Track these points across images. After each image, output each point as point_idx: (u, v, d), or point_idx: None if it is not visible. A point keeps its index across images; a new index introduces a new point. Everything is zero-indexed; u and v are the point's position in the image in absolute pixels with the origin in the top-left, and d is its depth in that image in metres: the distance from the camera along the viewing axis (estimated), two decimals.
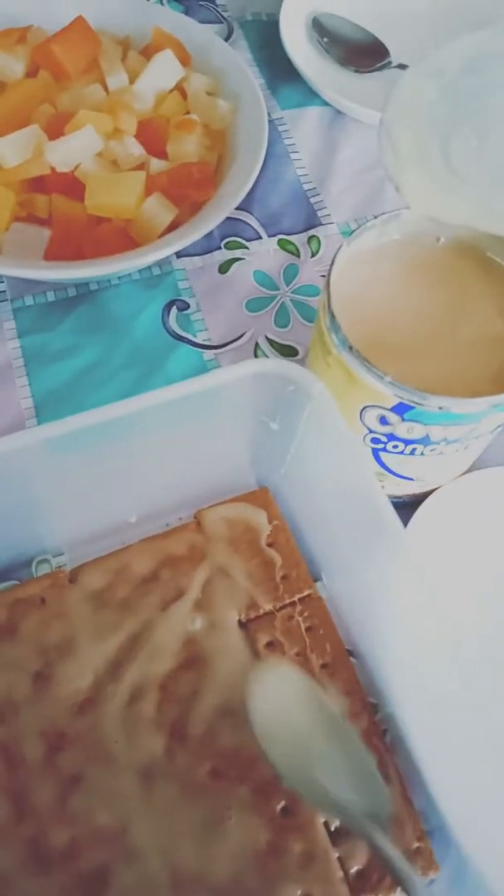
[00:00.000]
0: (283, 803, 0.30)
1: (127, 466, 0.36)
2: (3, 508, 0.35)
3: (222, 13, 0.59)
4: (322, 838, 0.30)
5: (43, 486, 0.36)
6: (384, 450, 0.33)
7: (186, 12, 0.57)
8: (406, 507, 0.36)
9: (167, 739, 0.31)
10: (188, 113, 0.44)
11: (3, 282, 0.45)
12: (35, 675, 0.32)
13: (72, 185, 0.39)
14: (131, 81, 0.43)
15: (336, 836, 0.30)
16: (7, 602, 0.34)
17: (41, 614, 0.34)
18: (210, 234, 0.47)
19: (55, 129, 0.39)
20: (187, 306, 0.45)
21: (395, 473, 0.35)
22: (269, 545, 0.36)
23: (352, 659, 0.34)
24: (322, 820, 0.30)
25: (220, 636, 0.33)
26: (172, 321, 0.44)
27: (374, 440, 0.32)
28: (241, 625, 0.34)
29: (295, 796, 0.30)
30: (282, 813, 0.30)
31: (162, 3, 0.58)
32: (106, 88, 0.42)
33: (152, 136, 0.41)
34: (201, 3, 0.59)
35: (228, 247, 0.47)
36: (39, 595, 0.34)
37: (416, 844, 0.30)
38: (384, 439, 0.32)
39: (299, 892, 0.29)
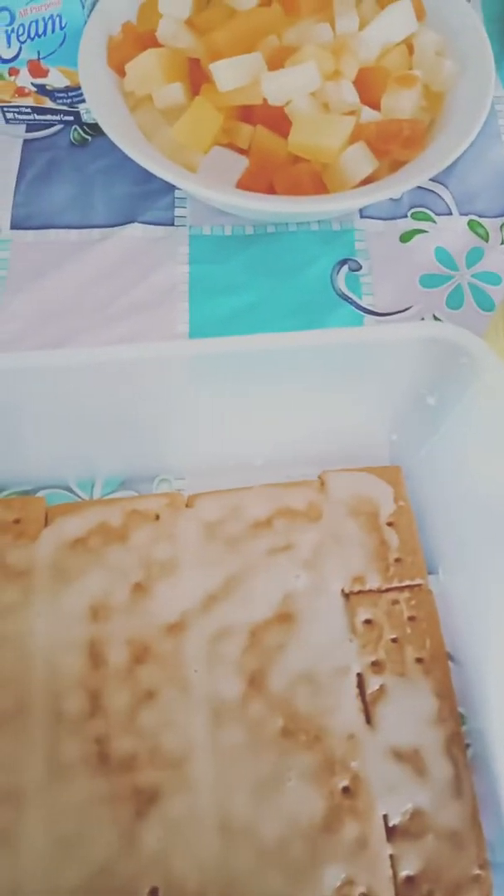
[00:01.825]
0: (345, 782, 0.29)
1: (263, 408, 0.35)
2: (139, 418, 0.35)
3: None
4: (378, 830, 0.28)
5: (179, 407, 0.36)
6: None
7: None
8: None
9: (245, 685, 0.31)
10: (411, 69, 0.42)
11: (185, 207, 0.45)
12: (134, 586, 0.33)
13: (278, 120, 0.38)
14: (360, 28, 0.41)
15: (392, 833, 0.28)
16: (124, 510, 0.34)
17: (153, 529, 0.34)
18: (399, 200, 0.45)
19: (276, 62, 0.38)
20: (359, 268, 0.43)
21: None
22: (389, 524, 0.35)
23: (450, 662, 0.32)
24: (382, 812, 0.29)
25: (320, 600, 0.32)
26: (341, 279, 0.43)
27: None
28: (343, 595, 0.33)
29: (359, 777, 0.29)
30: (342, 792, 0.29)
31: None
32: (334, 30, 0.41)
33: (370, 86, 0.39)
34: None
35: (415, 217, 0.45)
36: (155, 511, 0.35)
37: (475, 871, 0.28)
38: None
39: (343, 876, 0.27)
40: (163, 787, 0.29)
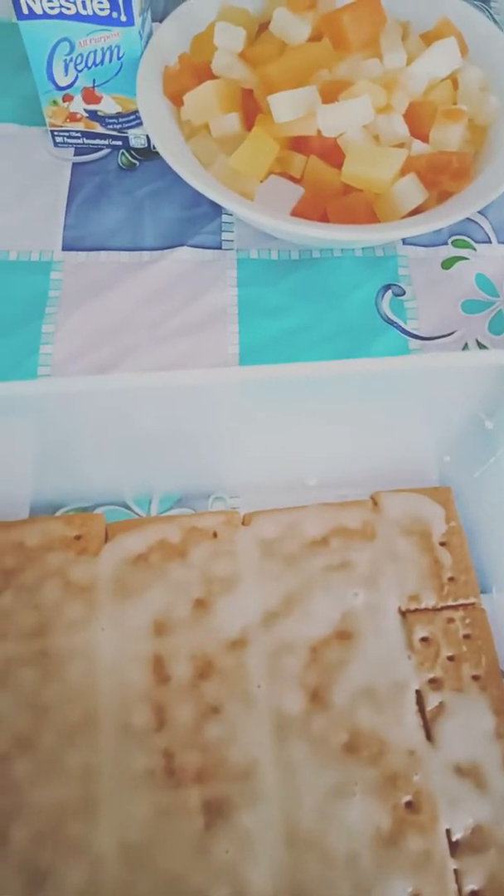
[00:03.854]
0: (408, 797, 0.30)
1: (316, 429, 0.36)
2: (194, 438, 0.36)
3: (494, 15, 0.58)
4: (442, 844, 0.29)
5: (234, 427, 0.37)
6: None
7: None
8: None
9: (308, 700, 0.31)
10: (455, 104, 0.43)
11: (232, 231, 0.46)
12: (196, 601, 0.33)
13: (331, 151, 0.40)
14: (407, 63, 0.43)
15: (455, 847, 0.29)
16: (183, 527, 0.35)
17: (212, 546, 0.35)
18: (440, 228, 0.46)
19: (329, 95, 0.40)
20: (403, 293, 0.44)
21: None
22: (442, 544, 0.36)
23: None
24: (446, 826, 0.29)
25: (377, 617, 0.33)
26: (385, 304, 0.44)
27: None
28: (400, 613, 0.34)
29: (423, 793, 0.30)
30: (406, 806, 0.30)
31: None
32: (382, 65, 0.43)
33: (418, 119, 0.41)
34: (475, 2, 0.58)
35: (455, 244, 0.46)
36: (213, 528, 0.35)
37: None
38: None
39: (410, 889, 0.28)
40: (231, 800, 0.29)
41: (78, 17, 0.41)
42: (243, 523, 0.36)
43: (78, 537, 0.35)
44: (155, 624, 0.33)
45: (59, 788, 0.29)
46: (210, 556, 0.35)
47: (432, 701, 0.31)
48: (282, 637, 0.33)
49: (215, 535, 0.35)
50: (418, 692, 0.32)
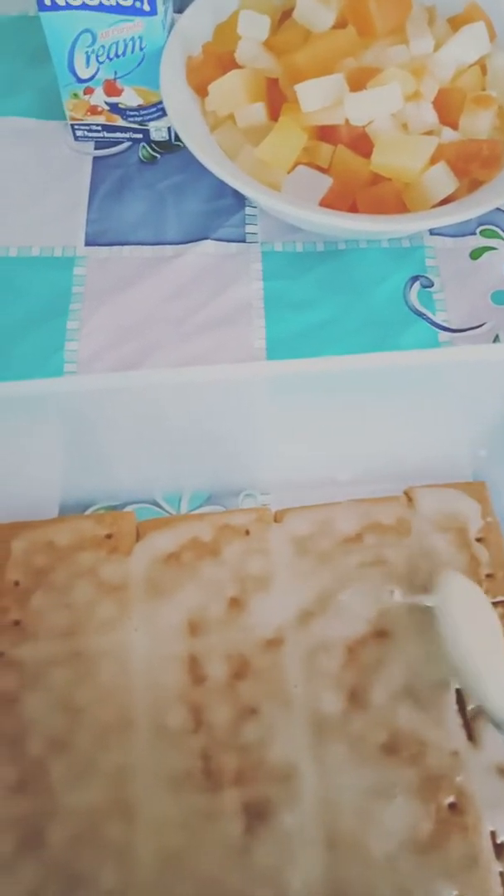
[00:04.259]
0: (451, 798, 0.29)
1: (347, 424, 0.35)
2: (223, 434, 0.35)
3: None
4: (486, 847, 0.28)
5: (264, 424, 0.36)
6: None
7: None
8: None
9: (346, 701, 0.31)
10: (484, 90, 0.42)
11: (255, 224, 0.46)
12: (231, 600, 0.33)
13: (359, 140, 0.39)
14: (435, 49, 0.42)
15: (501, 850, 0.28)
16: (214, 525, 0.35)
17: (244, 544, 0.34)
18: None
19: (357, 83, 0.39)
20: (431, 284, 0.44)
21: None
22: (478, 540, 0.35)
23: None
24: (490, 828, 0.29)
25: (415, 615, 0.33)
26: (413, 296, 0.43)
27: None
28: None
29: (465, 794, 0.29)
30: (448, 808, 0.29)
31: None
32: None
33: (447, 106, 0.40)
34: None
35: (484, 234, 0.45)
36: (245, 526, 0.35)
37: None
38: None
39: (455, 894, 0.27)
40: (270, 802, 0.29)
41: (101, 7, 0.41)
42: (275, 520, 0.35)
43: (109, 536, 0.35)
44: (189, 623, 0.32)
45: (95, 791, 0.29)
46: (243, 554, 0.34)
47: (474, 700, 0.31)
48: (318, 636, 0.32)
49: (247, 532, 0.35)
50: (458, 691, 0.31)
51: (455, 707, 0.31)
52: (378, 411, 0.35)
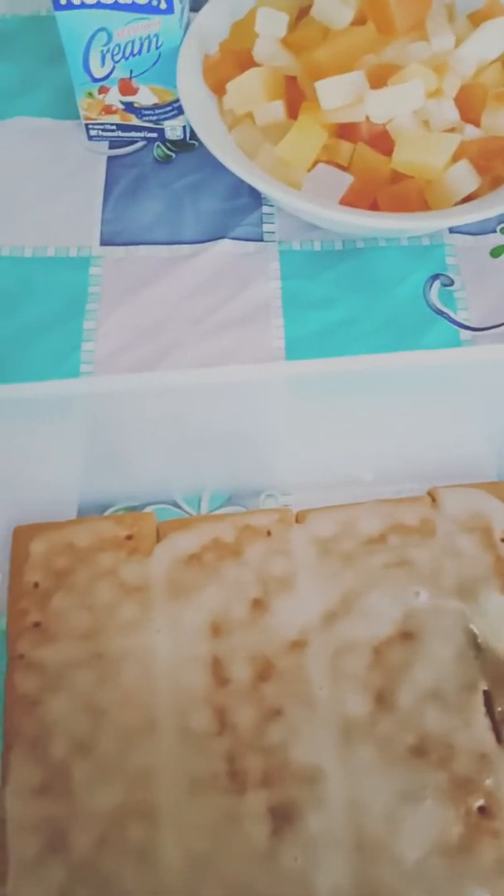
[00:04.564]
0: (481, 801, 0.29)
1: (369, 424, 0.35)
2: (243, 434, 0.35)
3: None
4: None
5: (285, 424, 0.36)
6: None
7: None
8: None
9: (372, 703, 0.30)
10: None
11: (273, 223, 0.45)
12: (253, 602, 0.33)
13: (380, 138, 0.39)
14: (456, 46, 0.42)
15: None
16: (236, 526, 0.34)
17: (266, 545, 0.34)
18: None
19: (377, 80, 0.39)
20: (451, 282, 0.43)
21: None
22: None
23: None
24: None
25: (441, 617, 0.32)
26: (434, 294, 0.43)
27: None
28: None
29: (495, 797, 0.29)
30: (478, 811, 0.29)
31: None
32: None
33: (469, 103, 0.40)
34: None
35: None
36: (267, 527, 0.35)
37: None
38: None
39: None
40: (297, 805, 0.28)
41: (117, 5, 0.40)
42: (297, 521, 0.35)
43: (129, 537, 0.34)
44: (212, 625, 0.32)
45: (119, 793, 0.29)
46: (265, 554, 0.34)
47: (502, 702, 0.30)
48: (342, 637, 0.32)
49: (269, 533, 0.34)
50: (487, 693, 0.31)
51: (483, 709, 0.30)
52: (400, 411, 0.35)
